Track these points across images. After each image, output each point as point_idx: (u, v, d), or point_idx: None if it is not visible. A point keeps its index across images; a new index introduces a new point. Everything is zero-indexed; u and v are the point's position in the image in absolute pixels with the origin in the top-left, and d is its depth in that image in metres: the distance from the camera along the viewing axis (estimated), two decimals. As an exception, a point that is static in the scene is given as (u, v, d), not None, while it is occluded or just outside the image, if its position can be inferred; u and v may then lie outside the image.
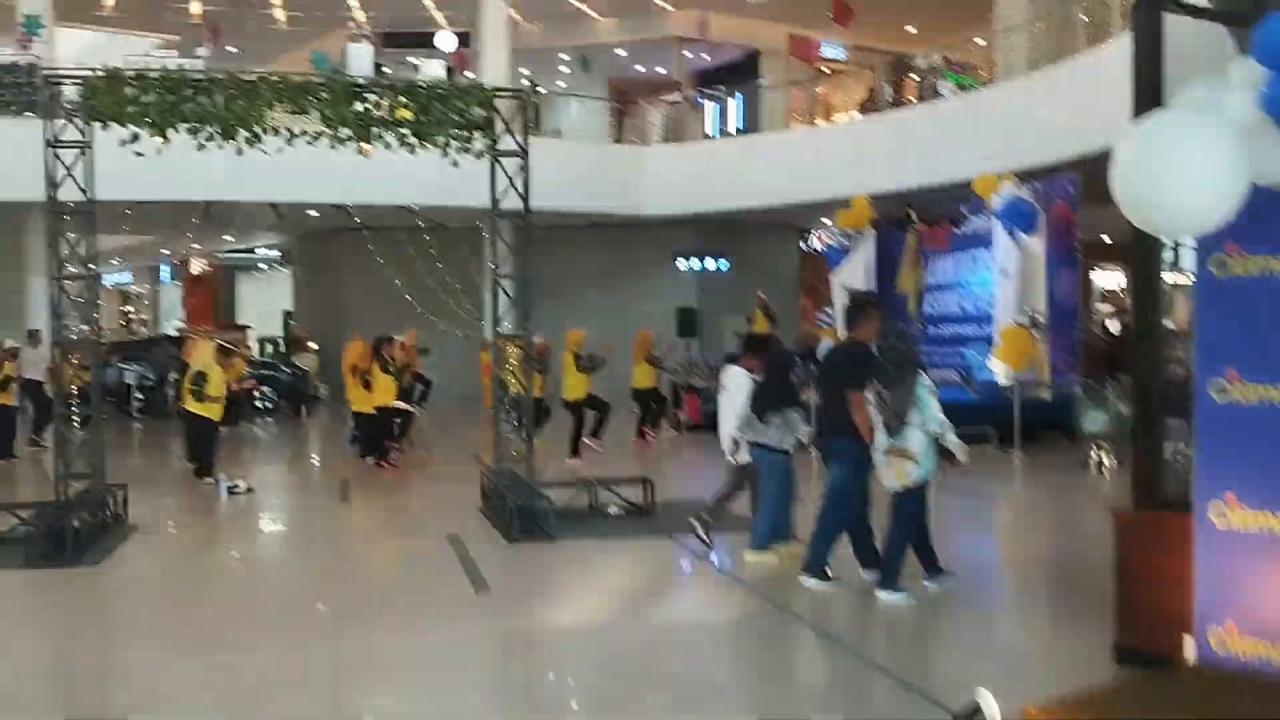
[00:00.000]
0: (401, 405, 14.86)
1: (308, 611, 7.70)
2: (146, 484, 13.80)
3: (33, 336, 18.47)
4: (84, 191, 9.69)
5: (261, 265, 38.87)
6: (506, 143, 10.39)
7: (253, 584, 8.78)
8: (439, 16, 25.13)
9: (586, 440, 15.10)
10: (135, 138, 9.55)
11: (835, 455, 7.81)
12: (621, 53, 28.25)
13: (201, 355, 13.42)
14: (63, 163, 9.61)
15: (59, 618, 7.77)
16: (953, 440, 7.32)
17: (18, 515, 9.45)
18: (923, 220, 17.78)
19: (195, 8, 24.38)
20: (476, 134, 10.12)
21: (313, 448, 19.14)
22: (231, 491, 12.36)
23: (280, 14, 24.99)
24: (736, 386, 9.01)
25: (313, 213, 24.83)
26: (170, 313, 43.31)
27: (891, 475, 7.33)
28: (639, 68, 29.24)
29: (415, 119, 9.79)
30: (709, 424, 18.34)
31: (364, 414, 14.75)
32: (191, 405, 13.15)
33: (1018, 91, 18.50)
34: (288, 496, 13.51)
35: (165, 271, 43.45)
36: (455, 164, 10.19)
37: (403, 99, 9.76)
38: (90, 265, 9.88)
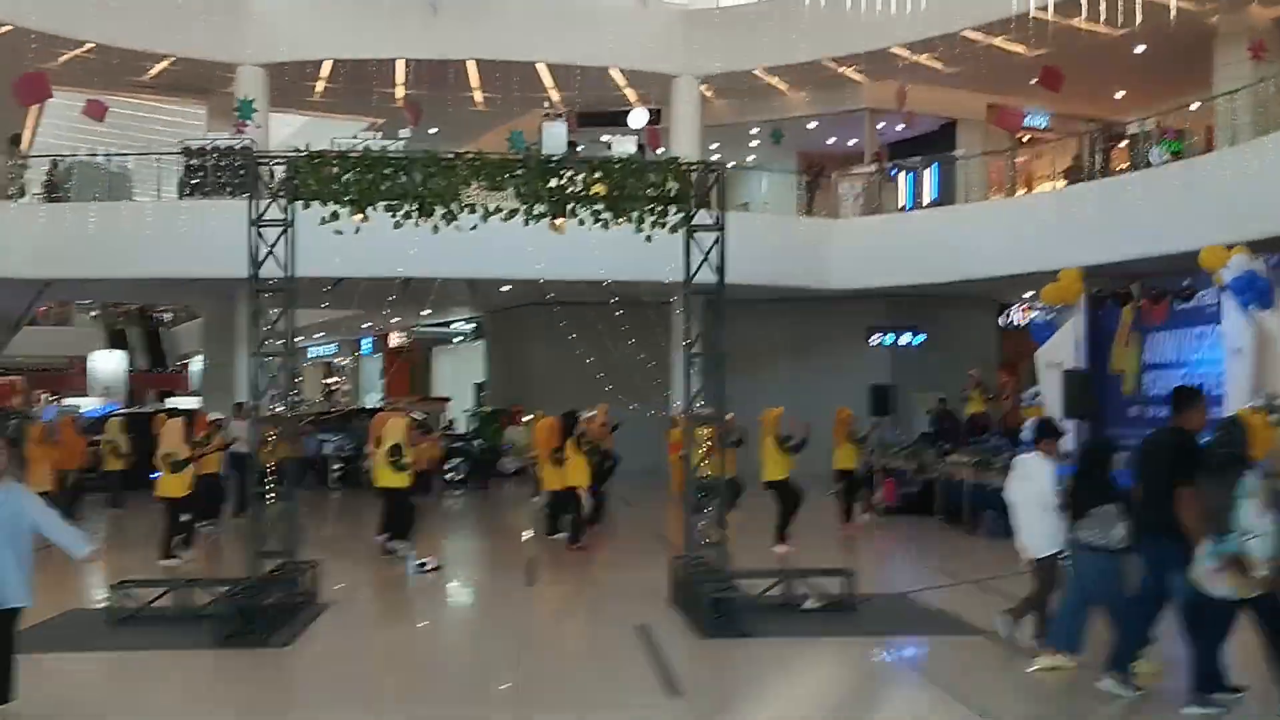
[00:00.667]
0: (581, 493, 14.25)
1: (492, 697, 7.36)
2: (340, 556, 13.92)
3: (240, 409, 19.15)
4: (284, 269, 9.81)
5: (456, 338, 39.84)
6: (699, 217, 10.06)
7: (435, 668, 8.51)
8: (631, 95, 25.36)
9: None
10: (335, 215, 9.63)
11: (1156, 556, 7.00)
12: (812, 125, 27.87)
13: (395, 429, 13.48)
14: (265, 241, 9.77)
15: (244, 698, 7.66)
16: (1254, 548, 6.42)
17: (212, 592, 9.49)
18: (1146, 295, 16.56)
19: (399, 91, 25.30)
20: (670, 208, 9.82)
21: (500, 523, 19.09)
22: (420, 568, 12.27)
23: (479, 95, 25.68)
24: (1035, 474, 8.31)
25: (505, 287, 25.18)
26: (370, 385, 44.81)
27: (1226, 583, 6.46)
28: (830, 140, 28.78)
29: (609, 193, 9.58)
30: (907, 506, 17.54)
31: (555, 492, 14.56)
32: (386, 479, 13.21)
33: (1245, 156, 17.19)
34: (474, 575, 13.36)
35: (366, 344, 45.05)
36: (649, 239, 9.91)
37: (598, 174, 9.56)
38: (288, 340, 9.97)
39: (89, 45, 21.59)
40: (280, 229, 9.80)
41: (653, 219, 9.84)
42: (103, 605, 9.55)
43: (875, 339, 25.40)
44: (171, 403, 32.69)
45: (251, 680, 8.03)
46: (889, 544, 15.54)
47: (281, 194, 9.68)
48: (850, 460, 16.25)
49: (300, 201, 9.67)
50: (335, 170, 9.42)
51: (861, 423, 18.26)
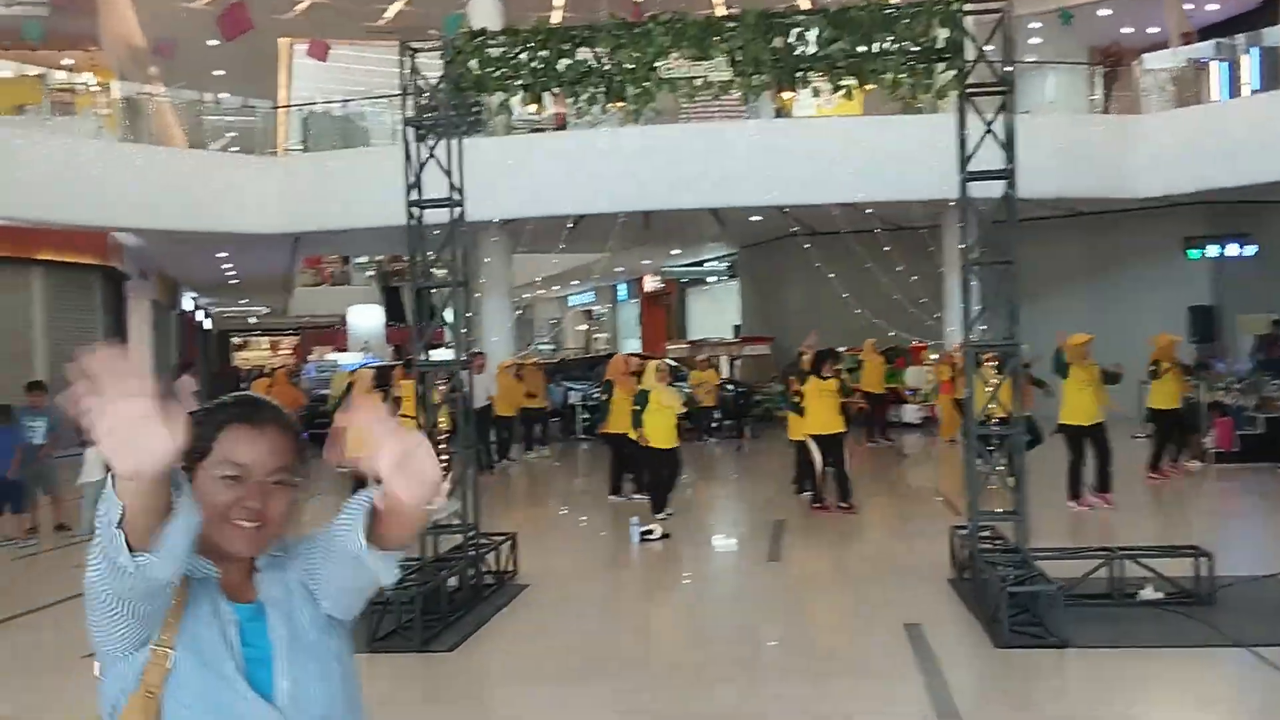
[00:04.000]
0: (811, 445, 11.82)
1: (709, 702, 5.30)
2: (558, 526, 12.31)
3: (476, 359, 17.99)
4: (450, 180, 7.97)
5: (710, 279, 37.99)
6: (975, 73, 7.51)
7: (647, 669, 6.52)
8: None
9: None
10: (505, 106, 7.71)
11: None
12: (1105, 12, 23.97)
13: (648, 377, 11.54)
14: (423, 149, 7.97)
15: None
16: None
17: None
18: None
19: None
20: (935, 66, 7.31)
21: (748, 480, 17.00)
22: (644, 538, 10.36)
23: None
24: None
25: (756, 218, 22.99)
26: (628, 330, 43.72)
27: None
28: (1125, 28, 24.75)
29: (852, 52, 7.17)
30: (1247, 452, 14.25)
31: (798, 443, 12.36)
32: (626, 429, 11.40)
33: None
34: (708, 548, 11.25)
35: (622, 289, 43.93)
36: (914, 104, 7.47)
37: (835, 28, 7.17)
38: (457, 276, 8.16)
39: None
40: (440, 136, 7.95)
41: (911, 81, 7.35)
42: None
43: (1192, 253, 21.52)
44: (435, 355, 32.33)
45: (402, 688, 6.32)
46: (1232, 502, 12.42)
47: (440, 89, 7.82)
48: (1172, 398, 13.16)
49: (467, 91, 7.79)
50: (502, 50, 7.47)
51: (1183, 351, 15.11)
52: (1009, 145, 7.46)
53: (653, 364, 12.09)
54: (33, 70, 20.80)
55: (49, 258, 21.18)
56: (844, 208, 19.31)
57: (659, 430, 11.10)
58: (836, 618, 8.03)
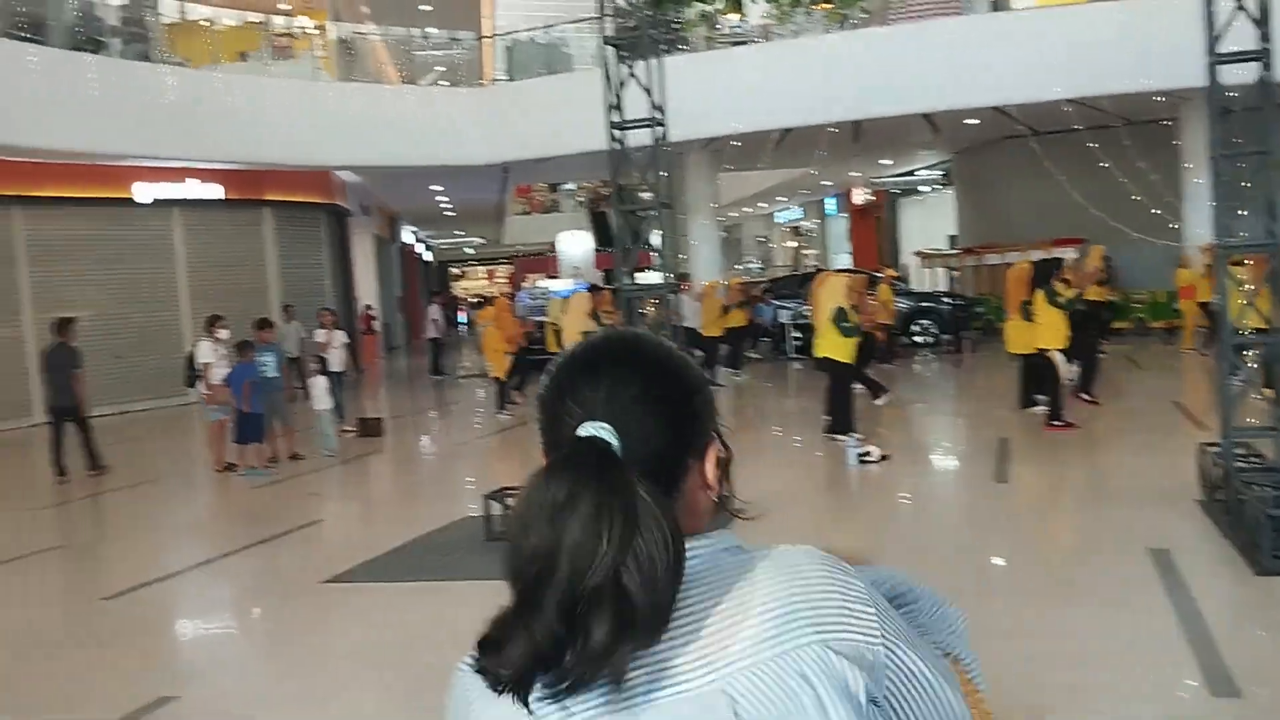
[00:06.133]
0: (1057, 358, 11.19)
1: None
2: (773, 446, 12.14)
3: (682, 281, 17.93)
4: (651, 98, 7.76)
5: (923, 188, 36.61)
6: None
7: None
8: None
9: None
10: (705, 18, 7.40)
11: None
12: None
13: (835, 291, 11.24)
14: (623, 68, 7.77)
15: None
16: None
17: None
18: None
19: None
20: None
21: (971, 396, 16.35)
22: (862, 460, 10.06)
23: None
24: None
25: (971, 121, 21.87)
26: (838, 245, 42.80)
27: None
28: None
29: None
30: None
31: (1025, 357, 11.73)
32: (827, 349, 11.12)
33: None
34: (929, 467, 10.83)
35: (830, 204, 42.94)
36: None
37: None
38: (660, 193, 7.97)
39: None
40: (639, 56, 7.73)
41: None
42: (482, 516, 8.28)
43: None
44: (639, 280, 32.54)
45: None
46: None
47: (639, 5, 7.59)
48: None
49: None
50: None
51: None
52: (1263, 21, 6.66)
53: (839, 278, 11.73)
54: (253, 17, 21.68)
55: (277, 198, 22.24)
56: (1073, 104, 18.11)
57: (846, 346, 10.92)
58: (1073, 542, 7.56)
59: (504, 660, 0.99)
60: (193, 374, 12.47)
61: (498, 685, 1.01)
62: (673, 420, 1.10)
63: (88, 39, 17.76)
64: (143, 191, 19.80)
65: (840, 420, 11.14)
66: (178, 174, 20.14)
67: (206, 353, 12.15)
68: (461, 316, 48.22)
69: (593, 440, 1.05)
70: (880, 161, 30.60)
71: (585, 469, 1.02)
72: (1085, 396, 12.20)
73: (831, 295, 11.22)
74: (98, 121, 16.93)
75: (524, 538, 1.01)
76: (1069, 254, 17.49)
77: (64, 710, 5.31)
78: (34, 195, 18.35)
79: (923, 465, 10.71)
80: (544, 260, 43.84)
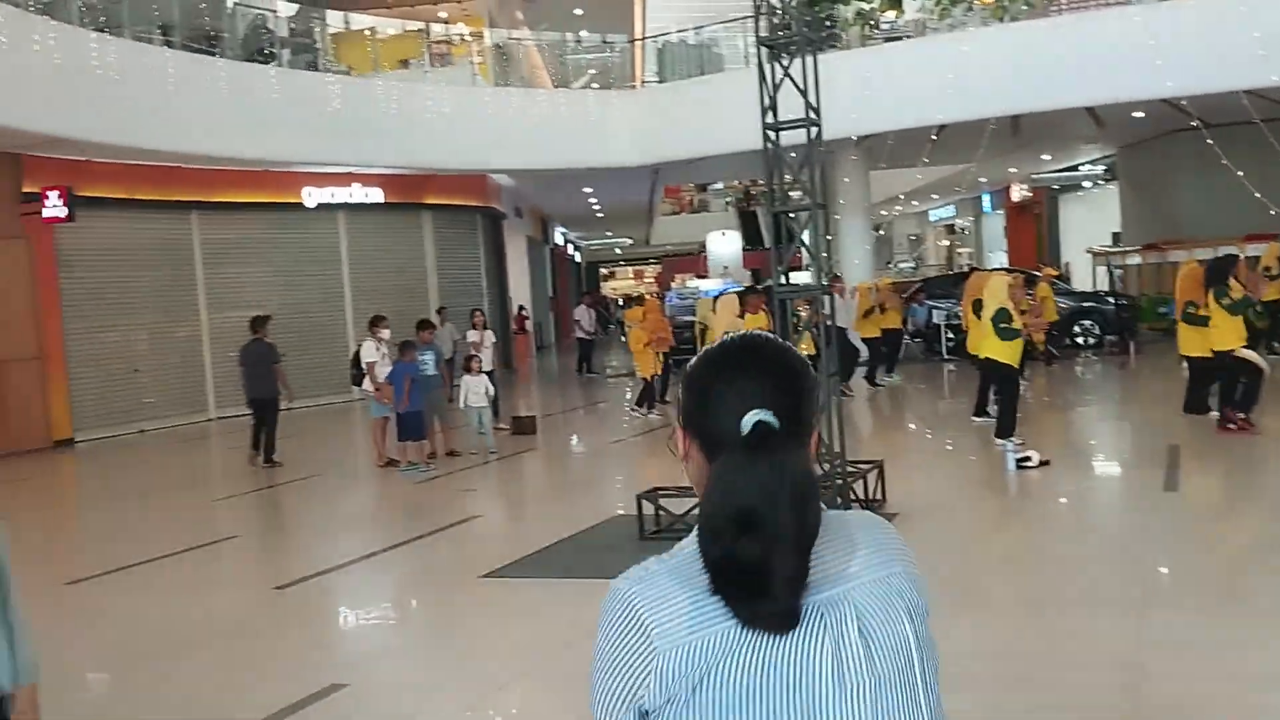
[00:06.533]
0: (1247, 354, 10.72)
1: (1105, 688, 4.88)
2: (925, 450, 11.92)
3: (834, 282, 17.73)
4: (806, 99, 7.70)
5: (1084, 184, 35.34)
6: None
7: (1023, 604, 6.13)
8: None
9: None
10: (862, 17, 7.32)
11: None
12: None
13: (997, 291, 10.98)
14: (779, 68, 7.74)
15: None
16: None
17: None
18: None
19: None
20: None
21: (1138, 400, 15.73)
22: (1021, 465, 9.79)
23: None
24: None
25: (1138, 114, 21.04)
26: (994, 244, 41.70)
27: None
28: None
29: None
30: None
31: (1197, 360, 11.24)
32: (988, 349, 10.87)
33: None
34: (1093, 474, 10.45)
35: (986, 201, 41.85)
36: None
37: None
38: (813, 193, 7.89)
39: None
40: (793, 55, 7.69)
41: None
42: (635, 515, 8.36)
43: None
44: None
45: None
46: None
47: (793, 5, 7.55)
48: None
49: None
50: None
51: None
52: None
53: (1001, 277, 11.43)
54: (413, 25, 22.33)
55: (436, 201, 22.88)
56: (1250, 95, 17.23)
57: (1010, 347, 10.64)
58: (1251, 556, 7.21)
59: (773, 603, 1.33)
60: (358, 372, 12.94)
61: (768, 622, 1.35)
62: (801, 405, 1.44)
63: (260, 50, 18.60)
64: (311, 196, 20.63)
65: (1003, 423, 10.86)
66: (344, 179, 20.91)
67: (370, 352, 12.59)
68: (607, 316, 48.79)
69: (766, 424, 1.37)
70: (1041, 157, 29.69)
71: (775, 449, 1.35)
72: (1238, 418, 10.80)
73: (994, 295, 10.96)
74: (272, 130, 17.72)
75: (737, 503, 1.32)
76: (1258, 249, 16.72)
77: (240, 694, 5.58)
78: (210, 200, 19.31)
79: (1085, 472, 10.36)
80: (692, 260, 43.97)
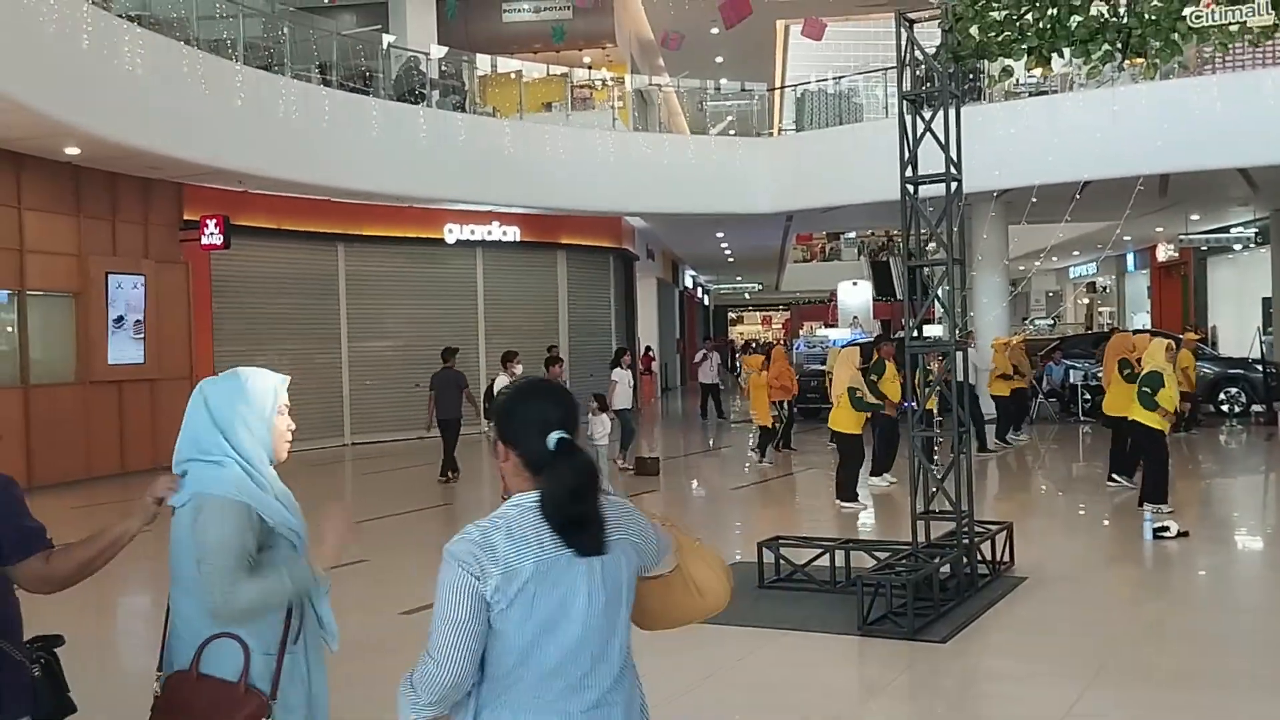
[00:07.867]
0: None
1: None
2: (1058, 513, 11.62)
3: (966, 336, 17.45)
4: (946, 154, 7.68)
5: (1235, 246, 34.02)
6: None
7: (1157, 676, 5.93)
8: None
9: None
10: (1008, 72, 7.31)
11: None
12: None
13: (1155, 355, 10.69)
14: (920, 121, 7.74)
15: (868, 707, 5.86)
16: None
17: (876, 556, 7.83)
18: None
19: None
20: None
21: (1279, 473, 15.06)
22: (1158, 535, 9.47)
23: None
24: None
25: (1295, 177, 20.25)
26: (1137, 304, 40.44)
27: None
28: None
29: None
30: None
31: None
32: (1135, 413, 10.57)
33: None
34: (1232, 548, 10.04)
35: (1130, 260, 40.65)
36: None
37: None
38: (948, 247, 7.83)
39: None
40: (936, 108, 7.69)
41: None
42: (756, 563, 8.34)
43: None
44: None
45: (887, 680, 6.22)
46: None
47: (938, 59, 7.56)
48: None
49: (962, 61, 7.47)
50: (1006, 12, 7.05)
51: None
52: None
53: (1160, 341, 11.10)
54: (558, 70, 22.88)
55: (571, 241, 23.31)
56: None
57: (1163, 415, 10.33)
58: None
59: (598, 533, 2.31)
60: (490, 406, 13.26)
61: (597, 547, 2.31)
62: (576, 424, 2.40)
63: (410, 91, 19.30)
64: (452, 233, 21.24)
65: (1151, 489, 10.48)
66: (484, 217, 21.49)
67: (504, 386, 12.89)
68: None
69: (569, 440, 2.32)
70: (1190, 217, 28.78)
71: (574, 452, 2.32)
72: None
73: (1152, 358, 10.67)
74: (418, 168, 18.34)
75: (571, 484, 2.29)
76: None
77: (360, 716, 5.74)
78: (356, 234, 20.03)
79: (1226, 545, 9.96)
80: (822, 308, 43.71)
